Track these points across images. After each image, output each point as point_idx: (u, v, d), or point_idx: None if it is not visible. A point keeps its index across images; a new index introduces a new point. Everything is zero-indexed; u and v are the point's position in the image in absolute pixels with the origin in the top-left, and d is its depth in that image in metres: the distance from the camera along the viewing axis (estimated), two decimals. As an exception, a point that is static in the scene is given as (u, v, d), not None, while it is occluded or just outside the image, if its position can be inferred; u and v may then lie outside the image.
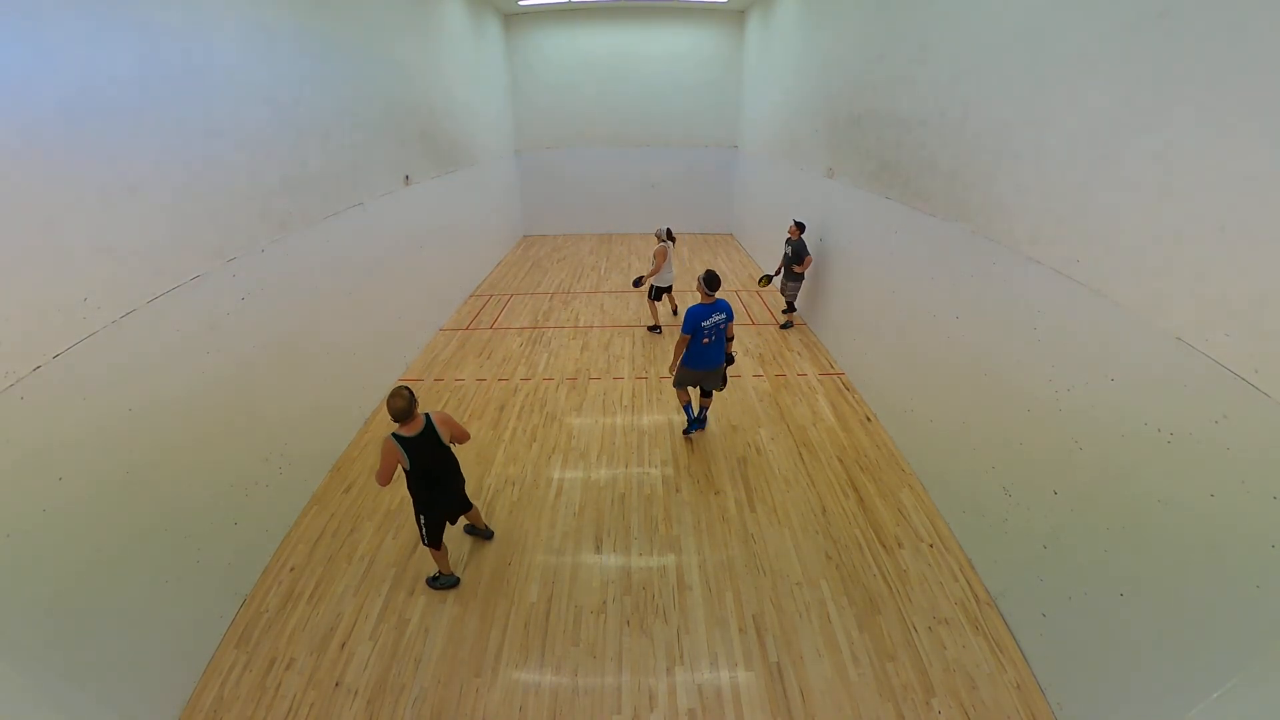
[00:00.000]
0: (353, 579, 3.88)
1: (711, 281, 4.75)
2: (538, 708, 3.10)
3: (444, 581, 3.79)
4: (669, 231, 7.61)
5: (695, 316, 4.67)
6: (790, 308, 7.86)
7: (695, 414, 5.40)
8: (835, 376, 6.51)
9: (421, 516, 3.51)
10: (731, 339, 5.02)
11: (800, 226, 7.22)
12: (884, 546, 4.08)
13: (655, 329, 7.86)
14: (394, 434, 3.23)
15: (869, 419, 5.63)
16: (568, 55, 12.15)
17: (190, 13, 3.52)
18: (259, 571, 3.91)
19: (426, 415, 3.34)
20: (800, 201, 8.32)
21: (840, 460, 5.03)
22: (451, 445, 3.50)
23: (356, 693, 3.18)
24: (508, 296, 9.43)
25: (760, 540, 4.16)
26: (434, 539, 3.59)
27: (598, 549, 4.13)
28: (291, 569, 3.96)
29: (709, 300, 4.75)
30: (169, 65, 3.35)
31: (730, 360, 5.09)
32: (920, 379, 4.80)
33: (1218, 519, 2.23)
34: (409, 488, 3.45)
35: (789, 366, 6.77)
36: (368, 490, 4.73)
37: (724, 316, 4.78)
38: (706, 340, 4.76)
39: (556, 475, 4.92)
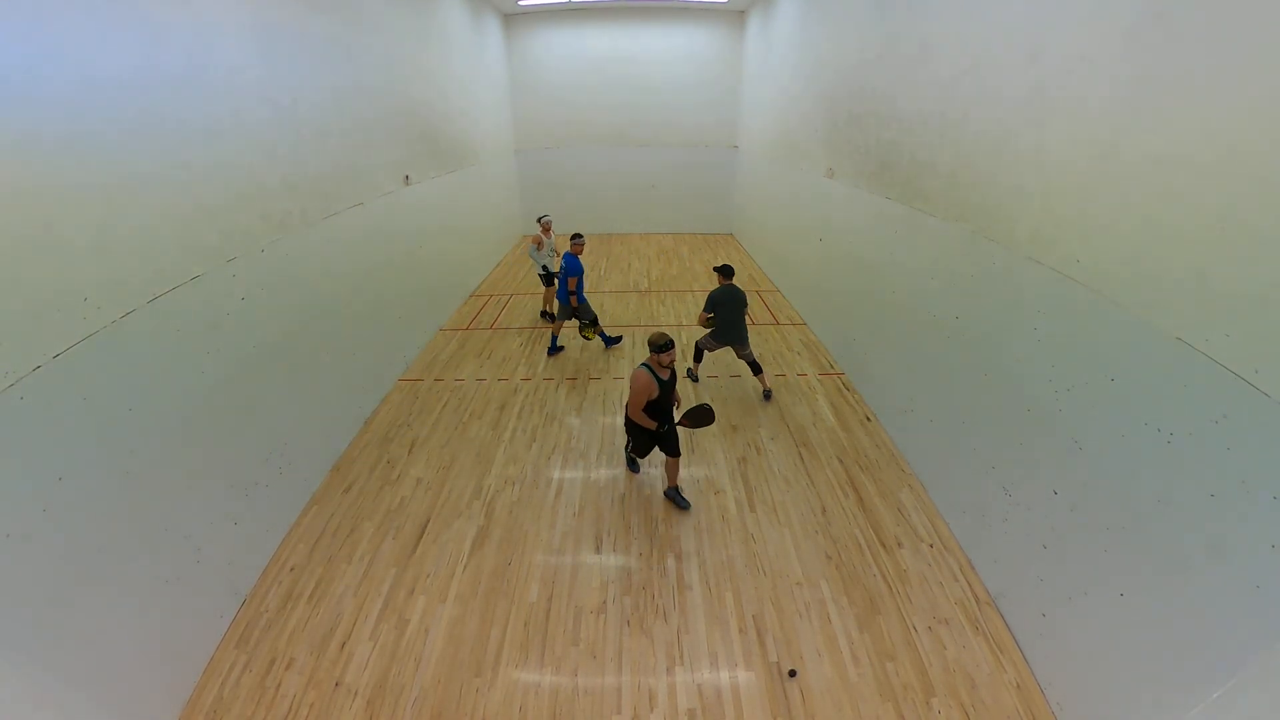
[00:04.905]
0: (353, 579, 3.88)
1: (576, 237, 6.78)
2: (538, 708, 3.10)
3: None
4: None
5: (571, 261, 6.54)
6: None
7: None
8: (835, 376, 6.51)
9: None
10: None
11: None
12: (884, 546, 4.08)
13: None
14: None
15: (869, 419, 5.63)
16: (567, 55, 12.15)
17: (191, 13, 3.51)
18: (259, 571, 3.91)
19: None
20: (800, 202, 8.33)
21: (840, 460, 5.03)
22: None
23: (356, 693, 3.18)
24: (508, 296, 9.42)
25: (760, 540, 4.16)
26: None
27: (598, 549, 4.12)
28: (291, 569, 3.95)
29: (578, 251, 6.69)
30: (169, 65, 3.35)
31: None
32: (920, 379, 4.80)
33: (1218, 519, 2.23)
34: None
35: (789, 366, 6.77)
36: (368, 490, 4.73)
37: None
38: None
39: (556, 475, 4.92)
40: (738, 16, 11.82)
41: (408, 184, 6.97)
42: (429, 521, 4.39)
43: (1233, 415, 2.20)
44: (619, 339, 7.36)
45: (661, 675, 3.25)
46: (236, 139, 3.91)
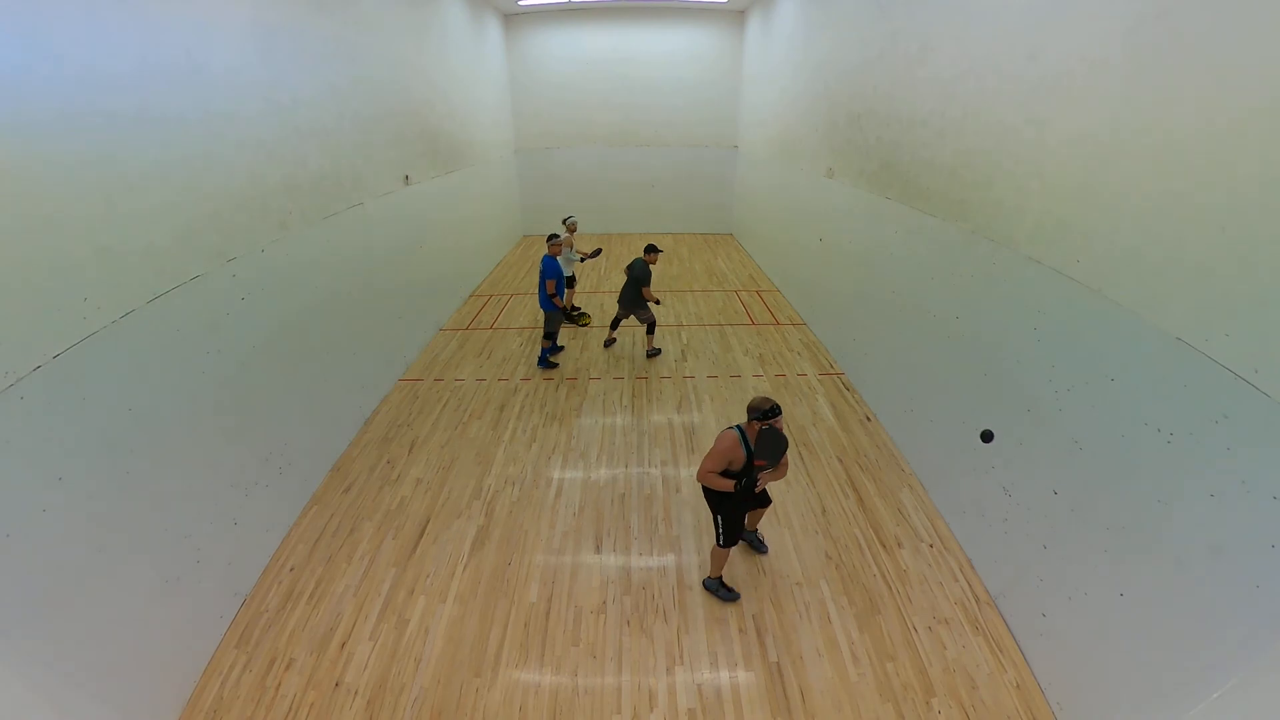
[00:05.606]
0: (353, 579, 3.88)
1: (552, 237, 6.79)
2: (538, 708, 3.10)
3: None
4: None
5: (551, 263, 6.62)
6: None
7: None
8: (835, 376, 6.51)
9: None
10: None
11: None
12: (884, 546, 4.08)
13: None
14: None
15: (869, 419, 5.63)
16: (568, 55, 12.15)
17: (190, 12, 3.51)
18: (259, 571, 3.91)
19: None
20: (800, 202, 8.33)
21: (840, 460, 5.03)
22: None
23: (356, 693, 3.18)
24: (508, 296, 9.43)
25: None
26: None
27: (598, 549, 4.12)
28: (291, 569, 3.95)
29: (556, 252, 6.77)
30: (169, 65, 3.35)
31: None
32: (920, 379, 4.80)
33: (1218, 519, 2.23)
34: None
35: (789, 366, 6.77)
36: (368, 490, 4.72)
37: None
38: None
39: (556, 475, 4.92)
40: (738, 16, 11.83)
41: (408, 184, 6.97)
42: (429, 521, 4.39)
43: (1233, 415, 2.20)
44: (554, 365, 6.94)
45: (661, 675, 3.25)
46: (236, 138, 3.91)
